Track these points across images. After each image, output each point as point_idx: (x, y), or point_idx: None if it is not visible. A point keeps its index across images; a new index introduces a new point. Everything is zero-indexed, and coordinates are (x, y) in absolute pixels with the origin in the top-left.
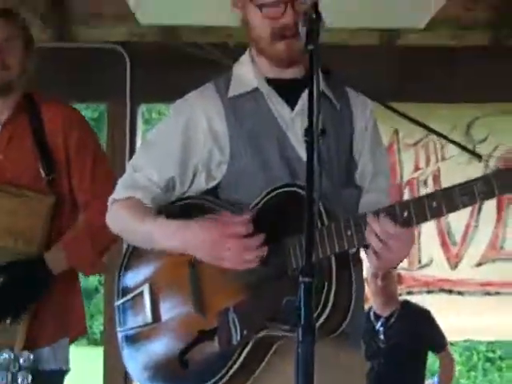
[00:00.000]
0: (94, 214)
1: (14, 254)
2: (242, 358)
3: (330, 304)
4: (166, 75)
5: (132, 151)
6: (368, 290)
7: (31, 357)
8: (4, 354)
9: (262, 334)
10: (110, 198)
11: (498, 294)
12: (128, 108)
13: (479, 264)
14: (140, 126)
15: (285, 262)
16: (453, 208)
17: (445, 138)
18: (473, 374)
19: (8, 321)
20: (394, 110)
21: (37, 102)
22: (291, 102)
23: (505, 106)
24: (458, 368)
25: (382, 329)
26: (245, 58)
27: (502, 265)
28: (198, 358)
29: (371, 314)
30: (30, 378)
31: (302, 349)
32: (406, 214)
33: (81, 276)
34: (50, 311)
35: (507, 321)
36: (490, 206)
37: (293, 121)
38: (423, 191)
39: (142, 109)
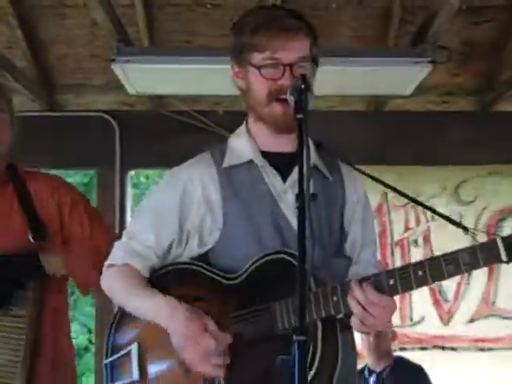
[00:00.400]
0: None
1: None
2: None
3: (314, 367)
4: (155, 142)
5: (122, 216)
6: (362, 347)
7: None
8: None
9: None
10: (106, 263)
11: (491, 349)
12: (117, 174)
13: (472, 320)
14: (130, 191)
15: (272, 326)
16: (438, 278)
17: (427, 208)
18: None
19: None
20: (378, 180)
21: (20, 172)
22: (284, 175)
23: (492, 168)
24: None
25: None
26: (241, 131)
27: (495, 321)
28: None
29: (366, 369)
30: None
31: None
32: (391, 282)
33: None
34: (44, 371)
35: (502, 377)
36: None
37: (285, 192)
38: (414, 251)
39: (131, 173)
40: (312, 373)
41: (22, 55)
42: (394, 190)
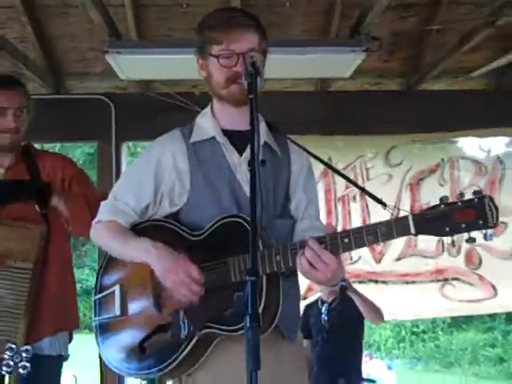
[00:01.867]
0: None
1: (14, 270)
2: (188, 349)
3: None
4: (144, 119)
5: (118, 179)
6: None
7: (31, 350)
8: (9, 351)
9: (205, 331)
10: (95, 220)
11: (414, 282)
12: (113, 146)
13: (398, 259)
14: (125, 159)
15: (227, 276)
16: (360, 245)
17: (350, 181)
18: (402, 345)
19: None
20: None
21: (32, 152)
22: (240, 150)
23: (416, 137)
24: (390, 341)
25: (325, 311)
26: (206, 111)
27: (417, 259)
28: (154, 346)
29: (319, 300)
30: (29, 366)
31: (250, 333)
32: (323, 246)
33: (83, 278)
34: (47, 310)
35: (423, 303)
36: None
37: (240, 165)
38: (353, 205)
39: (128, 144)
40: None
41: (32, 48)
42: (323, 162)
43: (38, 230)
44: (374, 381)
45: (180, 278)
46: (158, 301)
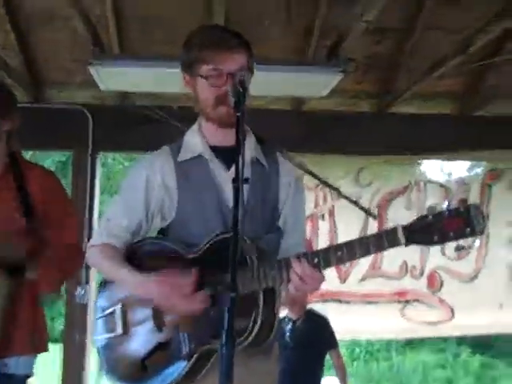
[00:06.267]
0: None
1: None
2: (189, 366)
3: (257, 325)
4: (121, 131)
5: (92, 189)
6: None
7: None
8: None
9: (206, 347)
10: (89, 244)
11: (376, 303)
12: (89, 156)
13: (363, 279)
14: (99, 170)
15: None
16: (351, 258)
17: (334, 189)
18: (355, 363)
19: None
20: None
21: (20, 162)
22: (228, 166)
23: (386, 158)
24: (344, 359)
25: (289, 330)
26: (194, 128)
27: (380, 280)
28: (155, 364)
29: (286, 318)
30: None
31: (225, 350)
32: (316, 260)
33: None
34: (18, 329)
35: (382, 324)
36: None
37: (227, 181)
38: (321, 223)
39: (100, 155)
40: (256, 329)
41: (14, 56)
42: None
43: (21, 246)
44: None
45: (167, 288)
46: (158, 318)
